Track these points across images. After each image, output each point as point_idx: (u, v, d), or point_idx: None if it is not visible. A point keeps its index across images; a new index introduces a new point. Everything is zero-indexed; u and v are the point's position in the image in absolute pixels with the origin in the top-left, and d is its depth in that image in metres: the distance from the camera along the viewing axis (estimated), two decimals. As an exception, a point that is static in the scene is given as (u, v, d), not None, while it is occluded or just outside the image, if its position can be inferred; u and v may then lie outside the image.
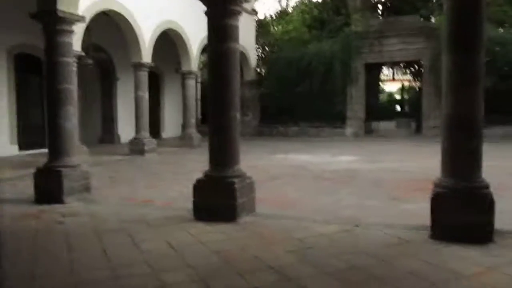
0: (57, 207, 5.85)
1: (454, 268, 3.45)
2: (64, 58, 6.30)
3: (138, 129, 13.35)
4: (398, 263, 3.61)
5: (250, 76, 20.23)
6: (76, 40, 9.50)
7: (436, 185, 4.29)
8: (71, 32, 6.45)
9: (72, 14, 6.37)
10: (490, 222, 4.08)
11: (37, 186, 6.29)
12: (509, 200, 6.10)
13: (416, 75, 21.16)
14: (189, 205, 5.28)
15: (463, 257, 3.69)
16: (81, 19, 6.74)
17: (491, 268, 3.45)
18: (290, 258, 3.74)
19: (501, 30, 17.09)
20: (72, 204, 6.03)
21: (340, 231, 4.54)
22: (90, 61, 12.89)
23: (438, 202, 4.19)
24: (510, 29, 17.15)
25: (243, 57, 18.99)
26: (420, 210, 5.51)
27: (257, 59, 21.55)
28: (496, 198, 4.12)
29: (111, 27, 13.44)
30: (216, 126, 5.14)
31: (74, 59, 9.55)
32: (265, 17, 30.57)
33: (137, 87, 13.26)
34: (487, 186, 4.15)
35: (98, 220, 5.17)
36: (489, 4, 17.71)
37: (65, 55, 6.32)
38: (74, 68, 9.69)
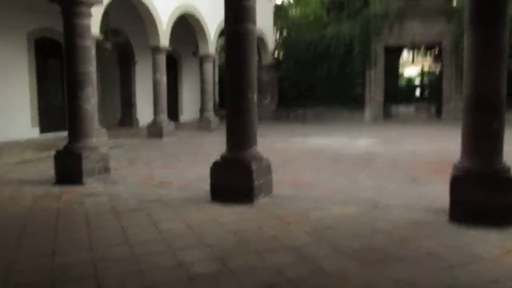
0: (77, 187, 5.95)
1: (474, 250, 3.41)
2: (83, 40, 6.34)
3: (156, 112, 13.42)
4: (417, 244, 3.58)
5: (268, 60, 20.12)
6: (94, 23, 9.56)
7: (456, 167, 4.22)
8: (89, 14, 6.47)
9: (90, -4, 6.38)
10: (510, 206, 4.01)
11: (57, 167, 6.39)
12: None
13: (437, 58, 20.76)
14: (207, 186, 5.31)
15: (483, 240, 3.65)
16: (99, 2, 6.76)
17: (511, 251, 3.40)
18: (307, 239, 3.75)
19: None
20: (91, 184, 6.12)
21: (358, 212, 4.53)
22: (108, 45, 12.95)
23: (458, 184, 4.13)
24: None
25: (261, 40, 18.87)
26: (438, 193, 5.46)
27: (275, 43, 21.39)
28: (517, 180, 4.05)
29: (129, 11, 13.44)
30: (233, 107, 5.14)
31: (93, 42, 9.61)
32: (283, 1, 30.29)
33: (155, 71, 13.29)
34: (508, 170, 4.07)
35: (117, 200, 5.24)
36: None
37: (84, 37, 6.35)
38: (93, 52, 9.77)
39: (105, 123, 14.14)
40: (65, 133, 6.96)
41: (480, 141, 4.08)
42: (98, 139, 7.69)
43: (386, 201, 5.12)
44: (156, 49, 13.22)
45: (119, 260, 3.32)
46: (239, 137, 5.13)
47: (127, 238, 3.84)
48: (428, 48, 22.69)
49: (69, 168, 6.24)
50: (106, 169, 6.63)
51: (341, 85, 18.42)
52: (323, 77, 18.56)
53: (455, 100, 16.71)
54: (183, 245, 3.63)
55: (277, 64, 20.37)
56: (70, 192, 5.71)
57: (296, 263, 3.23)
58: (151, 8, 12.73)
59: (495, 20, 3.96)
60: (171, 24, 13.74)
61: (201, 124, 15.74)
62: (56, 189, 5.88)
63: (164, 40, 13.37)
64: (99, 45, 11.60)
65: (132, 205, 4.99)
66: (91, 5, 6.46)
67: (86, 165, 6.23)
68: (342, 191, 5.87)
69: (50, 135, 12.56)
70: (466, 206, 4.07)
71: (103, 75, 15.02)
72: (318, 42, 18.67)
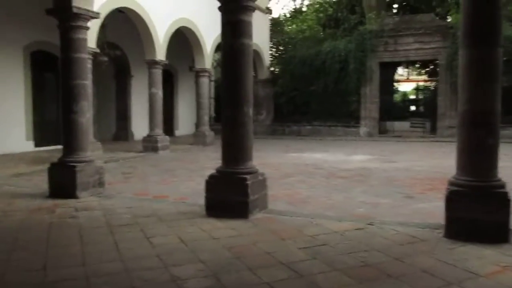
0: (70, 201, 5.89)
1: (469, 267, 3.39)
2: (79, 54, 6.34)
3: (152, 126, 13.41)
4: (412, 261, 3.56)
5: (264, 74, 20.21)
6: (91, 36, 9.59)
7: (451, 183, 4.22)
8: (86, 28, 6.49)
9: (87, 10, 6.40)
10: (506, 222, 4.00)
11: (51, 181, 6.34)
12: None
13: (432, 75, 20.94)
14: (202, 201, 5.28)
15: (478, 256, 3.63)
16: (96, 15, 6.78)
17: (507, 267, 3.38)
18: (302, 255, 3.72)
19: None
20: (85, 198, 6.07)
21: (353, 228, 4.50)
22: (105, 58, 12.98)
23: (453, 200, 4.12)
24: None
25: (257, 55, 18.98)
26: (434, 209, 5.47)
27: (271, 58, 21.51)
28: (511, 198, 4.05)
29: (126, 25, 13.53)
30: (229, 121, 5.14)
31: (89, 56, 9.63)
32: (279, 15, 30.58)
33: (151, 85, 13.31)
34: (503, 186, 4.08)
35: (111, 214, 5.20)
36: (506, 4, 17.44)
37: (80, 51, 6.36)
38: (89, 65, 9.78)
39: (100, 137, 14.12)
40: (60, 147, 6.92)
41: (475, 157, 4.09)
42: (93, 153, 7.65)
43: (381, 217, 5.11)
44: (152, 63, 13.26)
45: (112, 276, 3.28)
46: (235, 151, 5.12)
47: (121, 253, 3.79)
48: (423, 64, 22.92)
49: (63, 182, 6.20)
50: (101, 183, 6.59)
51: (337, 100, 18.49)
52: (319, 93, 18.64)
53: (450, 116, 16.79)
54: (177, 260, 3.59)
55: (273, 79, 20.45)
56: (64, 205, 5.66)
57: (291, 280, 3.20)
58: (148, 22, 12.79)
59: (489, 38, 4.00)
60: (167, 39, 13.81)
61: (197, 138, 15.72)
62: (50, 203, 5.83)
63: (161, 54, 13.42)
64: (95, 58, 11.63)
65: (126, 220, 4.94)
66: (89, 19, 6.48)
67: (81, 178, 6.19)
68: (337, 207, 5.86)
69: (45, 149, 12.52)
70: (461, 222, 4.06)
71: (99, 88, 15.04)
72: (314, 57, 18.78)
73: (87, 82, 6.60)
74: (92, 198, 6.11)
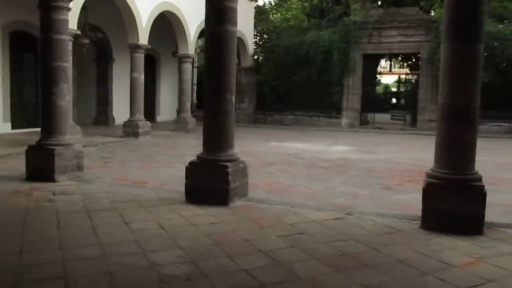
0: (48, 185, 5.81)
1: (443, 257, 3.46)
2: (59, 35, 6.21)
3: (132, 111, 13.27)
4: (389, 251, 3.61)
5: (247, 62, 20.13)
6: (72, 18, 9.39)
7: (429, 175, 4.29)
8: (68, 9, 6.35)
9: (68, -10, 6.27)
10: (481, 215, 4.09)
11: (28, 164, 6.24)
12: (500, 193, 6.14)
13: (414, 68, 21.13)
14: (182, 187, 5.27)
15: (452, 248, 3.71)
16: (78, -4, 6.65)
17: (480, 259, 3.46)
18: (281, 243, 3.74)
19: (500, 26, 17.01)
20: (63, 182, 6.00)
21: (332, 218, 4.54)
22: (86, 41, 12.74)
23: (430, 192, 4.19)
24: (510, 25, 17.09)
25: (241, 43, 18.86)
26: (411, 201, 5.56)
27: (255, 46, 21.40)
28: (487, 191, 4.13)
29: (108, 7, 13.29)
30: (211, 108, 5.11)
31: (70, 38, 9.45)
32: (264, 4, 30.45)
33: (133, 69, 13.14)
34: (479, 179, 4.16)
35: (89, 199, 5.15)
36: (489, -1, 17.68)
37: (60, 32, 6.22)
38: (70, 47, 9.60)
39: (80, 120, 13.93)
40: (38, 130, 6.80)
41: (453, 150, 4.15)
42: (72, 136, 7.53)
43: (360, 208, 5.17)
44: (134, 47, 13.08)
45: (89, 260, 3.25)
46: (216, 138, 5.10)
47: (98, 238, 3.76)
48: (406, 57, 23.10)
49: (41, 165, 6.10)
50: (79, 167, 6.51)
51: (320, 91, 18.53)
52: (302, 83, 18.65)
53: (430, 110, 17.00)
54: (155, 246, 3.58)
55: (256, 67, 20.38)
56: (41, 189, 5.58)
57: (269, 267, 3.22)
58: (131, 5, 12.59)
59: (471, 33, 4.05)
60: (151, 23, 13.61)
61: (178, 125, 15.62)
62: (27, 186, 5.74)
63: (143, 38, 13.24)
64: (76, 40, 11.42)
65: (104, 205, 4.90)
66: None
67: (59, 162, 6.10)
68: (317, 196, 5.91)
69: (23, 131, 12.29)
70: (437, 214, 4.13)
71: (80, 72, 14.80)
72: (298, 47, 18.75)
73: (67, 64, 6.48)
74: (70, 182, 6.04)
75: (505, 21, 18.76)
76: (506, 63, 15.71)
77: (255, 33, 21.81)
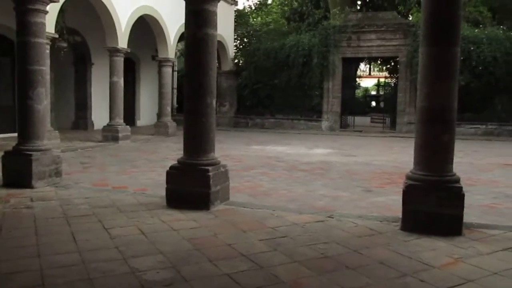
0: (26, 191, 5.69)
1: (423, 258, 3.50)
2: (36, 38, 6.11)
3: (112, 115, 13.12)
4: (370, 253, 3.64)
5: (227, 66, 20.12)
6: (49, 21, 9.27)
7: (408, 177, 4.34)
8: (45, 12, 6.25)
9: (46, -7, 6.17)
10: (459, 215, 4.15)
11: (5, 169, 6.12)
12: (477, 194, 6.26)
13: (392, 72, 21.40)
14: (162, 192, 5.23)
15: (432, 248, 3.75)
16: (55, -1, 6.55)
17: (460, 259, 3.51)
18: (263, 247, 3.73)
19: (476, 30, 17.37)
20: (41, 188, 5.89)
21: (313, 221, 4.56)
22: (64, 44, 12.58)
23: (410, 194, 4.24)
24: (485, 30, 17.44)
25: (221, 47, 18.86)
26: (391, 202, 5.62)
27: (235, 50, 21.41)
28: (465, 192, 4.20)
29: (86, 10, 13.13)
30: (192, 112, 5.08)
31: (47, 41, 9.31)
32: (244, 7, 30.50)
33: (112, 73, 13.01)
34: (457, 180, 4.22)
35: (68, 205, 5.06)
36: (465, 4, 18.00)
37: (37, 35, 6.12)
38: (47, 51, 9.45)
39: (58, 125, 13.71)
40: (15, 135, 6.67)
41: (432, 152, 4.21)
42: (50, 141, 7.42)
43: (341, 210, 5.20)
44: (114, 51, 12.95)
45: (68, 267, 3.19)
46: (197, 142, 5.08)
47: (77, 244, 3.70)
48: (385, 61, 23.39)
49: (18, 171, 5.97)
50: (58, 173, 6.40)
51: (300, 94, 18.63)
52: (282, 86, 18.72)
53: (409, 113, 17.23)
54: (136, 251, 3.54)
55: (236, 71, 20.38)
56: (19, 195, 5.47)
57: (251, 271, 3.21)
58: (110, 8, 12.46)
59: (448, 37, 4.12)
60: (130, 26, 13.50)
61: (158, 129, 15.52)
62: (3, 192, 5.61)
63: (123, 42, 13.13)
64: (54, 44, 11.26)
65: (83, 211, 4.83)
66: (47, 2, 6.25)
67: (37, 167, 5.99)
68: (298, 199, 5.92)
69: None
70: (417, 215, 4.18)
71: (58, 76, 14.57)
72: (278, 50, 18.83)
73: (45, 68, 6.37)
74: (49, 188, 5.93)
75: (481, 25, 19.17)
76: (482, 66, 16.03)
77: (235, 36, 21.83)
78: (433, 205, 4.11)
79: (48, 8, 6.38)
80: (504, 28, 20.10)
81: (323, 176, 7.83)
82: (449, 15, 4.11)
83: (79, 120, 16.65)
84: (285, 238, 3.98)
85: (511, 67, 15.98)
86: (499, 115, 16.50)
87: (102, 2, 12.20)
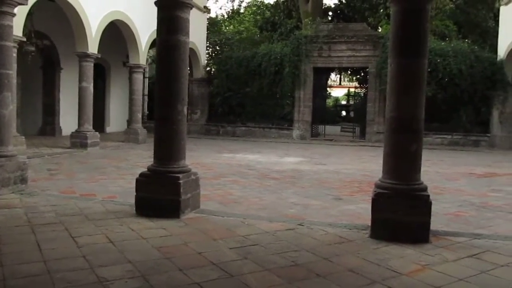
0: (-12, 198, 5.52)
1: (392, 265, 3.55)
2: (3, 41, 5.96)
3: (81, 121, 12.87)
4: (340, 260, 3.67)
5: (199, 74, 20.06)
6: (17, 24, 9.06)
7: (377, 186, 4.40)
8: (12, 14, 6.11)
9: (13, -5, 6.04)
10: (427, 223, 4.23)
11: (-33, 176, 5.91)
12: (443, 203, 6.40)
13: (362, 82, 21.75)
14: (132, 200, 5.15)
15: (401, 256, 3.81)
16: (23, 2, 6.40)
17: (427, 266, 3.57)
18: (233, 255, 3.72)
19: (443, 43, 17.85)
20: (6, 196, 5.71)
21: (284, 229, 4.57)
22: (32, 48, 12.30)
23: (379, 202, 4.30)
24: (451, 43, 17.96)
25: (193, 54, 18.79)
26: (361, 210, 5.69)
27: (207, 58, 21.39)
28: (432, 200, 4.29)
29: (56, 14, 12.90)
30: (162, 119, 5.04)
31: (14, 44, 9.08)
32: (217, 15, 30.56)
33: (81, 78, 12.77)
34: (425, 189, 4.31)
35: (34, 213, 4.93)
36: (432, 18, 18.51)
37: (4, 38, 5.97)
38: (14, 54, 9.22)
39: (25, 131, 13.36)
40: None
41: (400, 161, 4.30)
42: (16, 147, 7.22)
43: (311, 218, 5.24)
44: (83, 56, 12.73)
45: (33, 278, 3.10)
46: (168, 149, 5.03)
47: (43, 253, 3.60)
48: (355, 71, 23.79)
49: (-20, 177, 5.79)
50: (23, 180, 6.23)
51: (271, 103, 18.72)
52: (254, 94, 18.76)
53: (378, 122, 17.52)
54: (104, 261, 3.46)
55: (208, 78, 20.34)
56: (-20, 203, 5.29)
57: (221, 280, 3.19)
58: (80, 13, 12.25)
59: (416, 49, 4.23)
60: (100, 31, 13.30)
61: (128, 135, 15.30)
62: (-36, 200, 5.43)
63: (93, 47, 12.92)
64: (21, 48, 10.99)
65: (50, 219, 4.70)
66: (15, 4, 6.11)
67: (1, 174, 5.81)
68: (269, 207, 5.93)
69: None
70: (386, 223, 4.24)
71: (25, 80, 14.24)
72: (250, 59, 18.88)
73: (11, 72, 6.21)
74: (13, 196, 5.76)
75: (447, 39, 19.72)
76: (448, 78, 16.47)
77: (208, 44, 21.80)
78: (401, 213, 4.18)
79: (15, 10, 6.25)
80: (469, 41, 20.78)
81: (294, 184, 7.87)
82: (417, 28, 4.22)
83: (46, 125, 16.26)
84: (255, 246, 3.97)
85: (475, 79, 16.48)
86: (464, 126, 16.97)
87: (72, 6, 12.00)
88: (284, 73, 18.13)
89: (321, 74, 19.74)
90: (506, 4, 16.62)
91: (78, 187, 6.89)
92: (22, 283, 2.99)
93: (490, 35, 21.25)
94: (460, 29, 22.11)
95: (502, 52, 16.82)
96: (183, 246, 3.93)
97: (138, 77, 15.57)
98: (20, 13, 9.35)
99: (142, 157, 10.70)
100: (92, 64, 12.99)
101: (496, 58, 17.01)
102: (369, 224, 4.40)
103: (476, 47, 18.27)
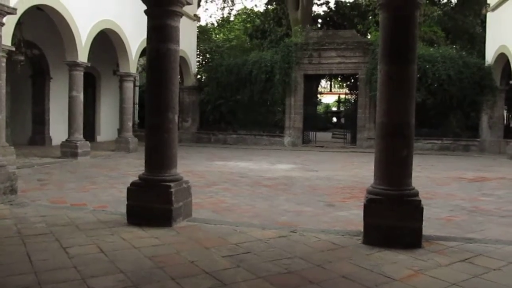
0: (-23, 209, 5.46)
1: (385, 271, 3.55)
2: (-9, 51, 5.94)
3: (71, 131, 12.79)
4: (333, 267, 3.66)
5: (190, 81, 20.05)
6: (6, 34, 9.01)
7: (369, 191, 4.41)
8: (1, 24, 6.09)
9: (2, 5, 6.03)
10: (419, 228, 4.25)
11: (-45, 187, 5.85)
12: (435, 208, 6.43)
13: (352, 88, 21.88)
14: (123, 209, 5.12)
15: (393, 261, 3.81)
16: (12, 11, 6.41)
17: (420, 271, 3.58)
18: (226, 263, 3.70)
19: (431, 49, 18.03)
20: (-5, 206, 5.65)
21: (277, 236, 4.56)
22: (21, 58, 12.23)
23: (371, 208, 4.31)
24: (439, 49, 18.13)
25: (184, 62, 18.79)
26: (353, 217, 5.70)
27: (198, 66, 21.39)
28: (423, 205, 4.31)
29: (45, 23, 12.84)
30: (153, 127, 5.02)
31: (3, 54, 9.04)
32: (207, 24, 30.63)
33: (71, 88, 12.70)
34: (416, 194, 4.33)
35: (24, 223, 4.87)
36: (421, 24, 18.69)
37: (-7, 48, 5.96)
38: (3, 64, 9.17)
39: (14, 141, 13.25)
40: (-34, 150, 6.39)
41: (391, 166, 4.31)
42: (5, 157, 7.15)
43: (304, 225, 5.23)
44: (73, 65, 12.66)
45: (23, 289, 3.07)
46: (159, 157, 5.01)
47: (33, 264, 3.55)
48: (345, 78, 23.92)
49: (-31, 188, 5.73)
50: (13, 190, 6.16)
51: (262, 110, 18.75)
52: (245, 102, 18.77)
53: (369, 128, 17.61)
54: (95, 271, 3.43)
55: (199, 86, 20.33)
56: (-31, 214, 5.23)
57: (214, 288, 3.17)
58: (69, 22, 12.20)
59: (405, 55, 4.27)
60: (90, 40, 13.26)
61: (119, 144, 15.22)
62: (-47, 211, 5.36)
63: (83, 56, 12.87)
64: (10, 57, 10.93)
65: (40, 229, 4.65)
66: (4, 14, 6.10)
67: (-11, 185, 5.75)
68: (261, 215, 5.92)
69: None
70: (378, 229, 4.25)
71: (14, 89, 14.15)
72: (240, 67, 18.91)
73: (0, 82, 6.18)
74: (3, 206, 5.70)
75: (435, 45, 19.92)
76: (437, 84, 16.62)
77: (198, 52, 21.82)
78: (394, 218, 4.20)
79: (4, 20, 6.22)
80: (457, 47, 21.00)
81: (286, 191, 7.86)
82: (406, 34, 4.26)
83: (36, 135, 16.14)
84: (248, 254, 3.95)
85: (464, 84, 16.64)
86: (453, 131, 17.11)
87: (62, 15, 11.95)
88: (275, 80, 18.17)
89: (312, 81, 19.82)
90: (493, 10, 16.83)
91: (68, 197, 6.83)
92: (12, 295, 2.96)
93: (478, 41, 21.53)
94: (448, 35, 22.36)
95: (489, 57, 17.03)
96: (176, 255, 3.91)
97: (129, 85, 15.52)
98: (9, 22, 9.30)
99: (133, 166, 10.65)
100: (82, 73, 12.92)
101: (484, 63, 17.22)
102: (362, 230, 4.41)
103: (464, 52, 18.50)
